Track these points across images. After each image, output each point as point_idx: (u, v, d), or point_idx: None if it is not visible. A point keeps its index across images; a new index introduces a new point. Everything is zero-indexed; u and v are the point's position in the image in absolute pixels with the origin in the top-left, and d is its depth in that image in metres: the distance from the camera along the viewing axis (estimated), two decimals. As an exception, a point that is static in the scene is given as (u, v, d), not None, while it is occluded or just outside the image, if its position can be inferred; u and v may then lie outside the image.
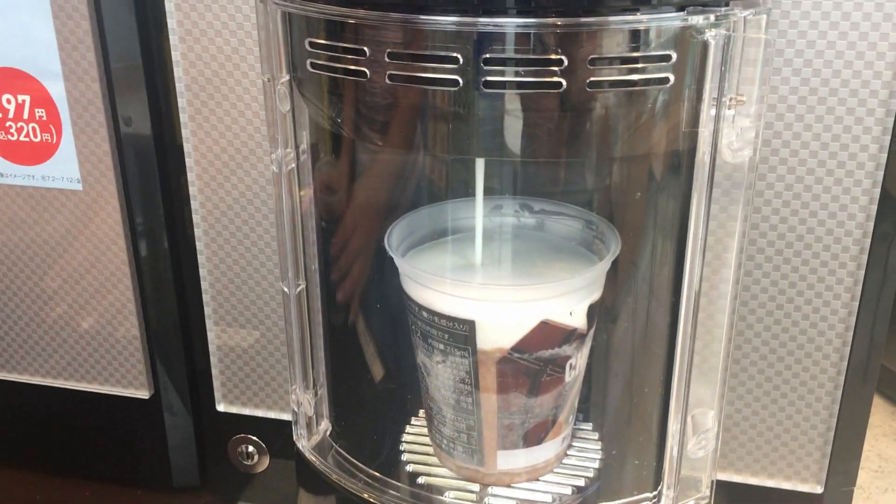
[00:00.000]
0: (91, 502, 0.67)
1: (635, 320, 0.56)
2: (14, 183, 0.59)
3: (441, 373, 0.52)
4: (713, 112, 0.42)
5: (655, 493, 0.51)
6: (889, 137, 0.45)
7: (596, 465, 0.56)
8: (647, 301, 0.55)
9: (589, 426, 0.60)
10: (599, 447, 0.58)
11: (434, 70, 0.40)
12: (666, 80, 0.40)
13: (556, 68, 0.39)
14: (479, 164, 0.51)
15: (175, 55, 0.52)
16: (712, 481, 0.50)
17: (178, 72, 0.53)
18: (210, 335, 0.60)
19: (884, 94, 0.44)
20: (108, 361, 0.63)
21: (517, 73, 0.40)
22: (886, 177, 0.46)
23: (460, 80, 0.40)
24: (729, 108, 0.42)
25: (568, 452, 0.57)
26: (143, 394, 0.64)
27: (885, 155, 0.45)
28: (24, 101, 0.56)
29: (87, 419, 0.66)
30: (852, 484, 0.53)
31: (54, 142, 0.57)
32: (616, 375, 0.58)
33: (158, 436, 0.65)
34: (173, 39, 0.52)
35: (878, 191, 0.46)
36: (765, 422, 0.52)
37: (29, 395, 0.66)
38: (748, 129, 0.42)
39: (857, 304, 0.48)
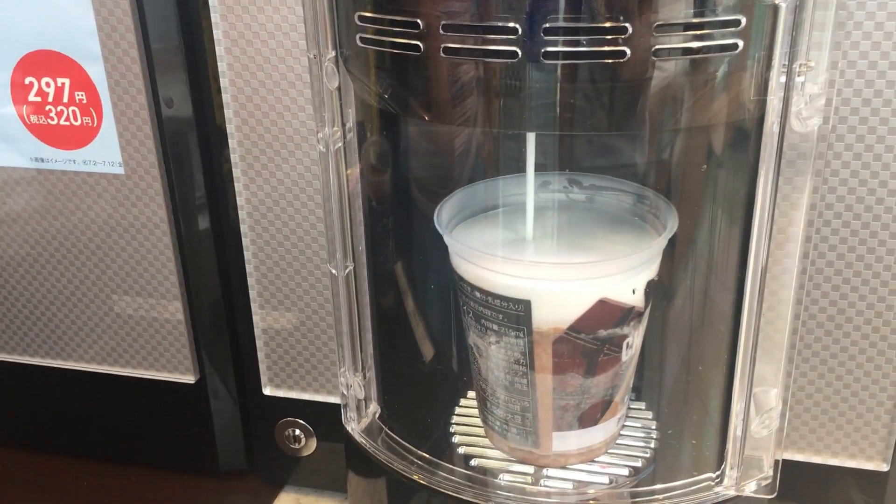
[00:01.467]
0: (137, 488, 0.67)
1: (692, 298, 0.54)
2: (55, 168, 0.58)
3: (494, 354, 0.51)
4: (783, 79, 0.40)
5: (718, 473, 0.50)
6: (966, 102, 0.43)
7: (652, 445, 0.55)
8: (704, 278, 0.53)
9: (642, 405, 0.58)
10: (654, 427, 0.57)
11: (491, 42, 0.39)
12: (734, 46, 0.38)
13: (619, 37, 0.37)
14: (531, 138, 0.49)
15: (217, 34, 0.51)
16: (776, 461, 0.49)
17: (219, 51, 0.51)
18: (255, 318, 0.60)
19: (960, 56, 0.42)
20: (153, 346, 0.63)
21: (579, 43, 0.38)
22: (962, 143, 0.44)
23: (519, 52, 0.38)
24: (798, 75, 0.40)
25: (622, 432, 0.56)
26: (189, 378, 0.63)
27: (962, 121, 0.43)
28: (63, 84, 0.55)
29: (133, 405, 0.66)
30: (919, 462, 0.51)
31: (95, 125, 0.56)
32: (671, 354, 0.57)
33: (205, 421, 0.65)
34: (214, 18, 0.51)
35: (952, 158, 0.44)
36: (829, 399, 0.51)
37: (74, 382, 0.66)
38: (818, 97, 0.41)
39: (928, 278, 0.46)
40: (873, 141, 0.44)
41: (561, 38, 0.38)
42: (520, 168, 0.51)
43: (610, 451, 0.55)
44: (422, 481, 0.54)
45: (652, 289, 0.50)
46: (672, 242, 0.50)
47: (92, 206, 0.59)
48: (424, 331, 0.60)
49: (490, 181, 0.55)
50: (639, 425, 0.57)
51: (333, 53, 0.46)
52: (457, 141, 0.56)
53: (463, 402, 0.60)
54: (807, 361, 0.50)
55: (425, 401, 0.62)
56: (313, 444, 0.63)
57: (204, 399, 0.64)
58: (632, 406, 0.58)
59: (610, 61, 0.38)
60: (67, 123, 0.57)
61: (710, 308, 0.53)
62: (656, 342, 0.56)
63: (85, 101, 0.56)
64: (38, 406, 0.68)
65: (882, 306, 0.48)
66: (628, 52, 0.38)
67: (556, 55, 0.38)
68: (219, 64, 0.52)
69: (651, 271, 0.49)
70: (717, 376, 0.52)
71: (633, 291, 0.47)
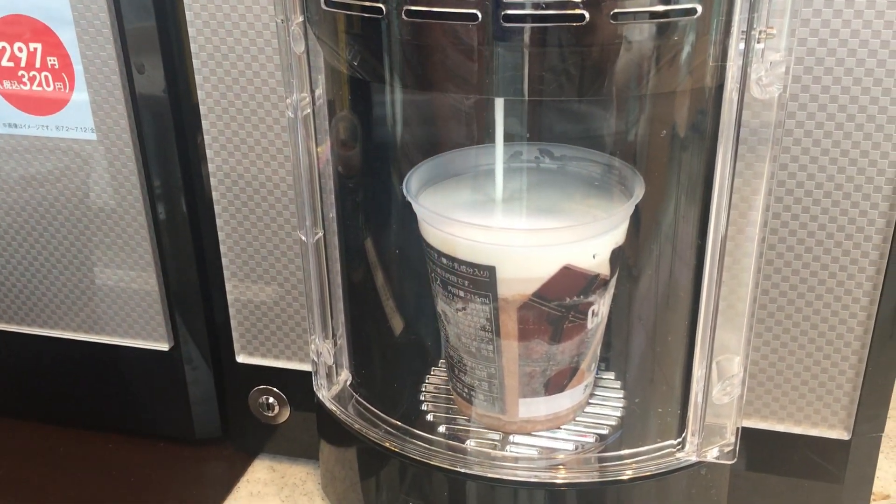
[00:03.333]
0: (114, 455, 0.68)
1: (659, 267, 0.55)
2: (28, 133, 0.58)
3: (461, 320, 0.51)
4: (742, 46, 0.40)
5: (679, 440, 0.51)
6: (926, 71, 0.43)
7: (619, 413, 0.56)
8: (670, 247, 0.54)
9: (611, 375, 0.59)
10: (622, 395, 0.57)
11: (453, 4, 0.39)
12: (693, 10, 0.39)
13: (578, 0, 0.38)
14: (499, 104, 0.49)
15: (186, -2, 0.51)
16: (738, 428, 0.49)
17: (189, 15, 0.51)
18: (228, 286, 0.60)
19: (921, 25, 0.42)
20: (127, 313, 0.63)
21: (538, 6, 0.38)
22: (922, 113, 0.44)
23: (479, 15, 0.39)
24: (758, 42, 0.40)
25: (590, 401, 0.57)
26: (163, 346, 0.64)
27: (921, 90, 0.43)
28: (35, 49, 0.55)
29: (109, 372, 0.66)
30: (881, 430, 0.52)
31: (67, 91, 0.56)
32: (639, 323, 0.57)
33: (179, 388, 0.65)
34: (184, -18, 0.51)
35: (912, 127, 0.44)
36: (792, 367, 0.52)
37: (49, 349, 0.66)
38: (778, 64, 0.41)
39: (889, 245, 0.47)
40: (835, 110, 0.45)
41: (522, 1, 0.38)
42: (491, 137, 0.51)
43: (577, 418, 0.56)
44: (392, 448, 0.54)
45: (618, 256, 0.50)
46: (638, 212, 0.50)
47: (65, 173, 0.59)
48: (395, 299, 0.60)
49: (461, 150, 0.55)
50: (607, 394, 0.58)
51: (301, 18, 0.46)
52: (427, 108, 0.56)
53: (434, 369, 0.60)
54: (770, 330, 0.51)
55: (397, 368, 0.62)
56: (287, 412, 0.64)
57: (178, 366, 0.64)
58: (601, 376, 0.58)
59: (569, 24, 0.38)
60: (40, 89, 0.57)
61: (675, 277, 0.54)
62: (624, 312, 0.57)
63: (57, 67, 0.56)
64: (14, 373, 0.69)
65: (844, 275, 0.48)
66: (587, 15, 0.38)
67: (517, 18, 0.39)
68: (188, 28, 0.52)
69: (617, 239, 0.50)
70: (682, 345, 0.52)
71: (594, 258, 0.48)
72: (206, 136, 0.55)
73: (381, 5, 0.41)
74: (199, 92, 0.54)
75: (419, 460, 0.53)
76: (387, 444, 0.54)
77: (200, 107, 0.54)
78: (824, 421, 0.53)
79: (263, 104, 0.53)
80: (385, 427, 0.56)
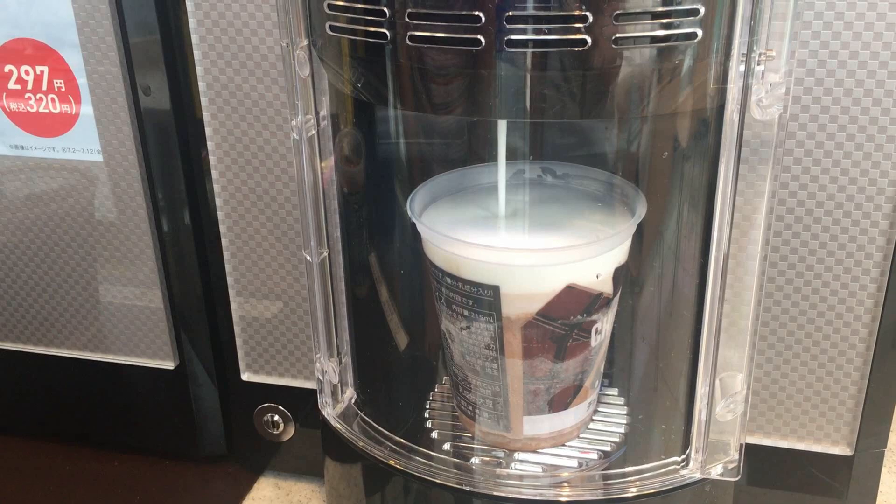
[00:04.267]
0: (120, 473, 0.68)
1: (661, 284, 0.55)
2: (35, 155, 0.59)
3: (466, 339, 0.52)
4: (742, 68, 0.41)
5: (683, 456, 0.51)
6: (924, 91, 0.44)
7: (622, 430, 0.56)
8: (673, 264, 0.54)
9: (615, 391, 0.59)
10: (626, 412, 0.58)
11: (456, 30, 0.39)
12: (694, 35, 0.39)
13: (580, 25, 0.38)
14: (502, 126, 0.50)
15: (192, 22, 0.52)
16: (741, 444, 0.50)
17: (195, 39, 0.52)
18: (233, 305, 0.60)
19: (918, 46, 0.43)
20: (133, 332, 0.63)
21: (540, 31, 0.39)
22: (921, 132, 0.44)
23: (483, 40, 0.39)
24: (758, 64, 0.41)
25: (594, 418, 0.57)
26: (169, 364, 0.64)
27: (920, 109, 0.44)
28: (42, 72, 0.56)
29: (115, 391, 0.66)
30: (883, 446, 0.52)
31: (74, 113, 0.57)
32: (642, 340, 0.58)
33: (185, 406, 0.65)
34: (189, 6, 0.51)
35: (912, 147, 0.45)
36: (794, 384, 0.52)
37: (56, 368, 0.67)
38: (778, 86, 0.41)
39: (890, 263, 0.47)
40: (835, 129, 0.45)
41: (524, 27, 0.39)
42: (494, 156, 0.52)
43: (581, 435, 0.56)
44: (397, 466, 0.54)
45: (621, 275, 0.51)
46: (641, 230, 0.51)
47: (71, 193, 0.59)
48: (399, 318, 0.61)
49: (464, 169, 0.56)
50: (611, 411, 0.58)
51: (306, 42, 0.47)
52: (433, 127, 0.56)
53: (438, 387, 0.61)
54: (772, 347, 0.51)
55: (402, 386, 0.62)
56: (292, 429, 0.64)
57: (183, 385, 0.65)
58: (605, 392, 0.59)
59: (572, 49, 0.39)
60: (47, 111, 0.57)
61: (677, 294, 0.54)
62: (628, 329, 0.57)
63: (63, 89, 0.56)
64: (21, 392, 0.69)
65: (845, 293, 0.49)
66: (590, 40, 0.38)
67: (519, 43, 0.39)
68: (194, 52, 0.52)
69: (619, 258, 0.50)
70: (685, 362, 0.52)
71: (598, 276, 0.48)
72: (211, 157, 0.56)
73: (385, 31, 0.41)
74: (204, 113, 0.54)
75: (424, 478, 0.53)
76: (391, 462, 0.55)
77: (206, 128, 0.55)
78: (827, 437, 0.53)
79: (269, 126, 0.53)
80: (390, 445, 0.56)
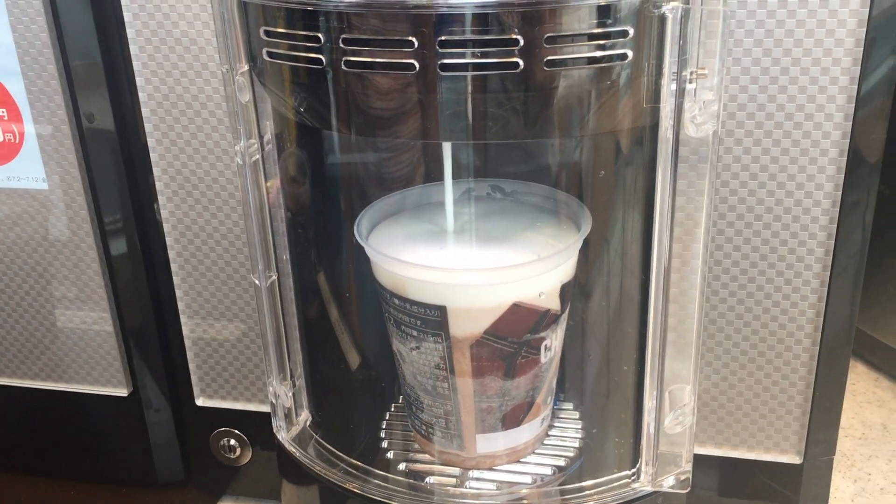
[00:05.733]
0: (77, 502, 0.67)
1: (610, 299, 0.55)
2: (-21, 185, 0.58)
3: (416, 359, 0.52)
4: (673, 87, 0.41)
5: (634, 470, 0.51)
6: (853, 105, 0.44)
7: (577, 444, 0.56)
8: (619, 279, 0.54)
9: (570, 406, 0.60)
10: (580, 427, 0.58)
11: (390, 55, 0.40)
12: (624, 56, 0.40)
13: (512, 48, 0.39)
14: (447, 147, 0.50)
15: (133, 48, 0.52)
16: (692, 456, 0.50)
17: (137, 65, 0.52)
18: (185, 330, 0.60)
19: (847, 61, 0.44)
20: (85, 360, 0.63)
21: (474, 55, 0.39)
22: (852, 144, 0.45)
23: (416, 64, 0.39)
24: (690, 82, 0.41)
25: (549, 433, 0.57)
26: (122, 391, 0.63)
27: (851, 123, 0.45)
28: (-16, 101, 0.56)
29: (69, 419, 0.66)
30: (832, 453, 0.53)
31: (17, 142, 0.56)
32: (594, 354, 0.58)
33: (140, 433, 0.65)
34: (130, 33, 0.51)
35: (844, 159, 0.46)
36: (742, 394, 0.52)
37: (8, 398, 0.66)
38: (711, 103, 0.42)
39: (829, 273, 0.48)
40: (770, 144, 0.46)
41: (458, 51, 0.39)
42: (441, 176, 0.52)
43: (536, 451, 0.56)
44: (352, 488, 0.54)
45: (568, 291, 0.51)
46: (588, 245, 0.51)
47: (17, 222, 0.59)
48: (351, 338, 0.61)
49: (412, 189, 0.56)
50: (566, 426, 0.58)
51: (246, 67, 0.47)
52: (379, 148, 0.57)
53: (394, 407, 0.61)
54: (719, 358, 0.52)
55: (357, 407, 0.62)
56: (249, 453, 0.64)
57: (138, 411, 0.64)
58: (560, 407, 0.59)
59: (504, 72, 0.39)
60: (-10, 140, 0.57)
61: (626, 308, 0.54)
62: (580, 343, 0.57)
63: (6, 118, 0.56)
64: (-28, 423, 0.68)
65: (787, 303, 0.49)
66: (522, 63, 0.39)
67: (454, 67, 0.39)
68: (137, 78, 0.52)
69: (565, 274, 0.50)
70: (635, 375, 0.53)
71: (541, 295, 0.48)
72: (157, 182, 0.55)
73: (321, 56, 0.41)
74: (149, 139, 0.54)
75: (379, 500, 0.53)
76: (347, 486, 0.54)
77: (151, 153, 0.55)
78: (776, 446, 0.53)
79: (214, 150, 0.53)
80: (345, 467, 0.56)
